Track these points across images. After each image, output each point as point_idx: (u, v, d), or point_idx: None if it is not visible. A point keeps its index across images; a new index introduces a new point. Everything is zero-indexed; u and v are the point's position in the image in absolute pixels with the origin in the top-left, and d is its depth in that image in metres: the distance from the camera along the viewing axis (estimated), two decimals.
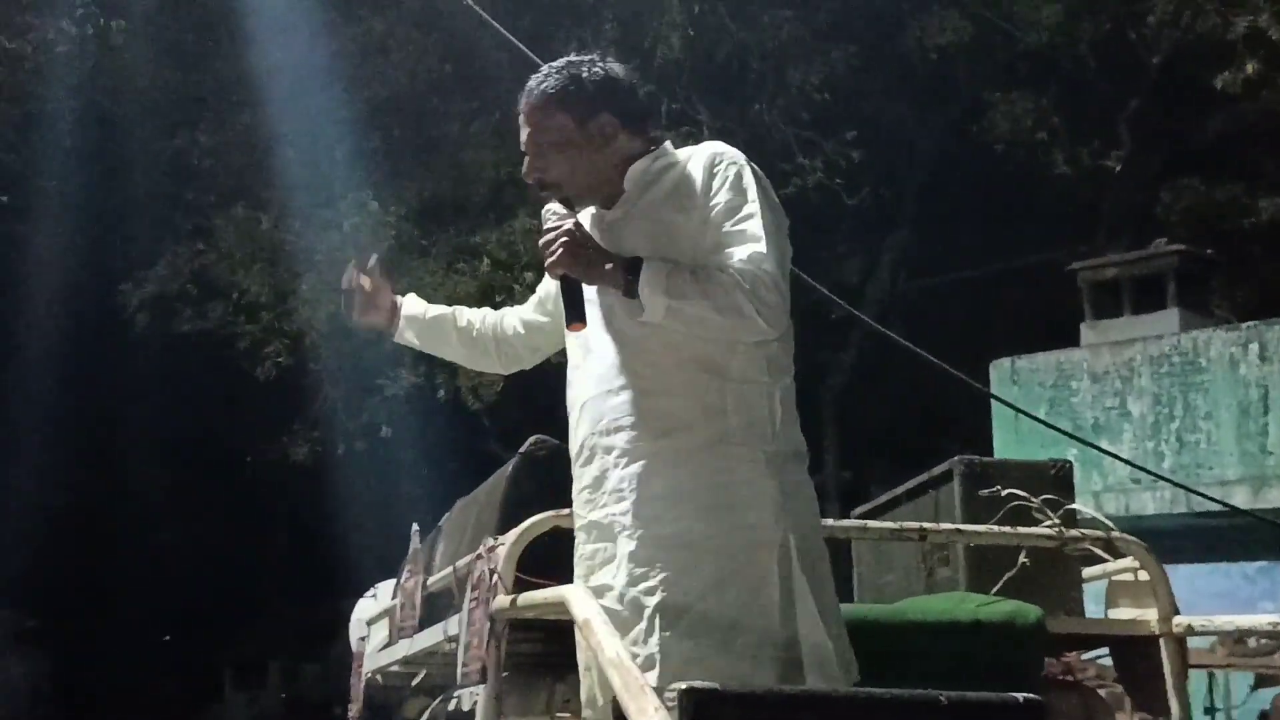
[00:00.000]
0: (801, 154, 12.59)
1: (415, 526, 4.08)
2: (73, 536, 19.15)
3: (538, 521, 2.95)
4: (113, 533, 19.27)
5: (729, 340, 2.58)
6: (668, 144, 2.77)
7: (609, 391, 2.64)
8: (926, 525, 3.48)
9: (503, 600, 2.82)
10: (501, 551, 2.93)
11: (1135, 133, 13.36)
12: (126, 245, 13.93)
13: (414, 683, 4.20)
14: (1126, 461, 8.24)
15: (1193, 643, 3.51)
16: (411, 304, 3.09)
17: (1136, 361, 9.63)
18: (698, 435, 2.56)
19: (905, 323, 12.28)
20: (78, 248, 14.00)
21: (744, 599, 2.48)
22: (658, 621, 2.48)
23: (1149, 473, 8.26)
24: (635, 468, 2.58)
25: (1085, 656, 3.87)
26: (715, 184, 2.62)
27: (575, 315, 2.61)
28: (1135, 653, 3.44)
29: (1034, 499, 3.49)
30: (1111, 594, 3.81)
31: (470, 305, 3.19)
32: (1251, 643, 4.84)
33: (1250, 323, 9.52)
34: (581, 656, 2.69)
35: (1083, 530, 3.46)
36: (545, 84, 2.71)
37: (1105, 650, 3.73)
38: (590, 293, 2.64)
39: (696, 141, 2.87)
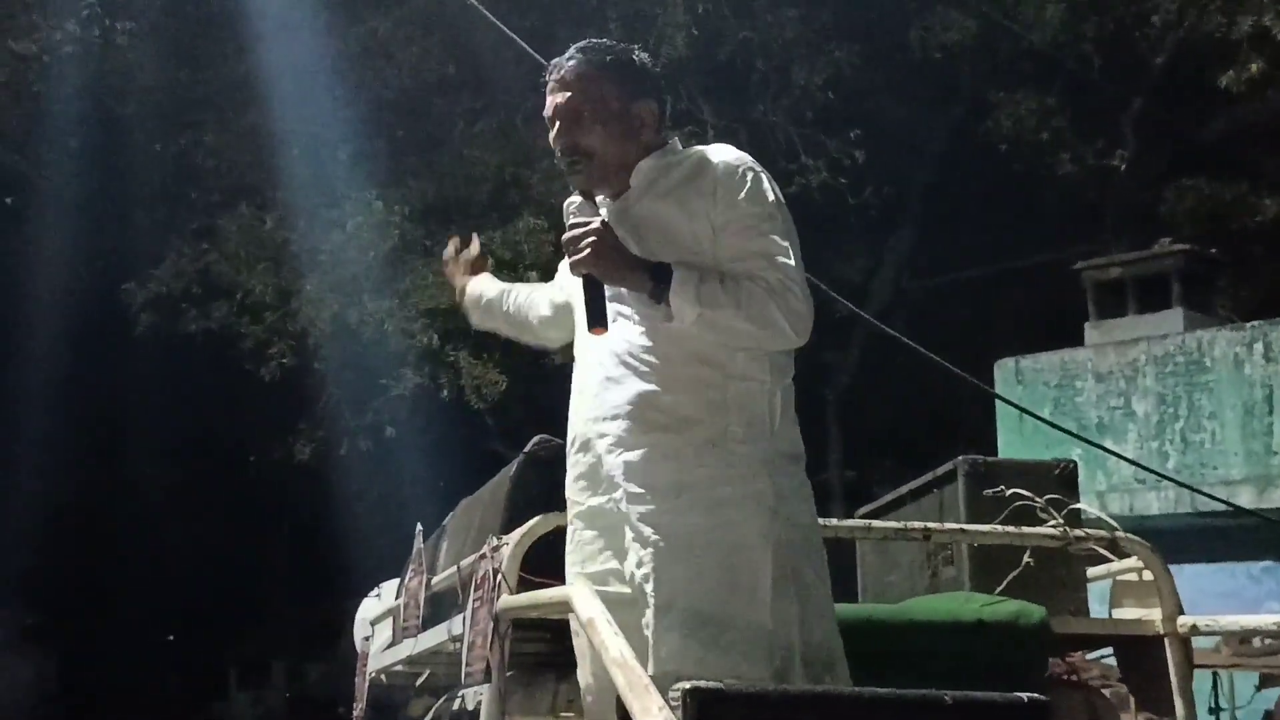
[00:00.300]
0: (805, 153, 12.58)
1: (419, 526, 4.08)
2: (76, 535, 19.16)
3: (542, 521, 2.95)
4: (116, 532, 19.27)
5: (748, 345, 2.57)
6: (675, 141, 2.76)
7: (609, 380, 2.63)
8: (931, 525, 3.48)
9: (507, 600, 2.82)
10: (505, 551, 2.93)
11: (1139, 132, 13.35)
12: (130, 245, 13.93)
13: (418, 682, 4.21)
14: (1131, 461, 8.23)
15: (1197, 643, 3.50)
16: (476, 285, 3.27)
17: (1141, 361, 9.61)
18: (696, 431, 2.56)
19: (909, 322, 12.26)
20: (81, 247, 14.00)
21: (735, 596, 2.48)
22: (649, 614, 2.49)
23: (1153, 472, 8.25)
24: (630, 456, 2.57)
25: (1090, 656, 3.87)
26: (737, 192, 2.59)
27: (597, 319, 2.58)
28: (1140, 653, 3.44)
29: (1038, 499, 3.49)
30: (1116, 594, 3.81)
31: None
32: (1256, 643, 4.83)
33: (1255, 322, 9.50)
34: (578, 644, 2.70)
35: (1087, 530, 3.46)
36: (599, 55, 2.68)
37: (1110, 650, 3.73)
38: None
39: (700, 140, 2.86)
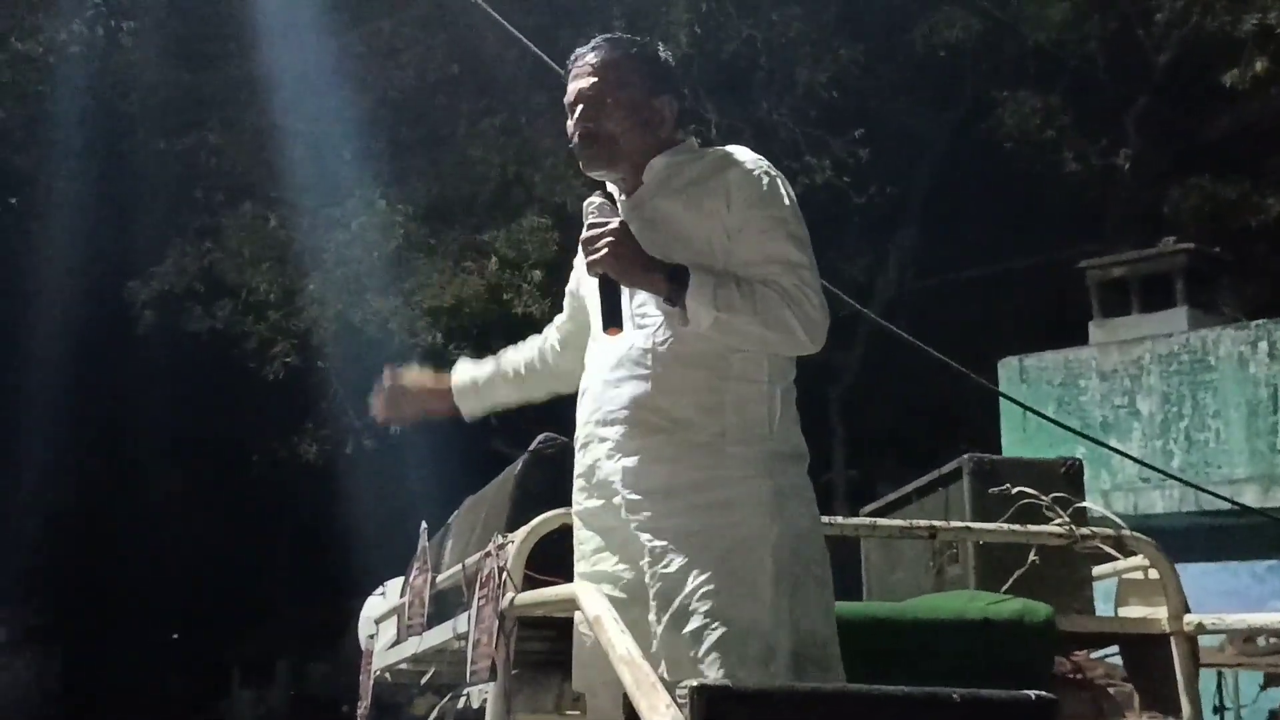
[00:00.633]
0: (809, 152, 12.57)
1: (424, 524, 4.08)
2: (79, 534, 19.18)
3: (547, 519, 2.95)
4: (119, 531, 19.28)
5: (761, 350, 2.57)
6: (692, 140, 2.75)
7: (608, 383, 2.63)
8: (936, 523, 3.47)
9: (512, 597, 2.82)
10: (511, 549, 2.93)
11: (1143, 131, 13.34)
12: (134, 243, 13.93)
13: (423, 681, 4.20)
14: (1136, 460, 8.22)
15: (1201, 641, 3.50)
16: (459, 376, 3.09)
17: (1145, 360, 9.61)
18: (694, 433, 2.55)
19: (913, 321, 12.24)
20: (85, 246, 14.00)
21: (734, 597, 2.47)
22: (650, 616, 2.49)
23: (1158, 471, 8.24)
24: (627, 461, 2.57)
25: (1095, 655, 3.86)
26: (753, 195, 2.57)
27: (612, 319, 2.57)
28: (1145, 651, 3.44)
29: (1044, 497, 3.48)
30: (1121, 592, 3.80)
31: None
32: (1261, 641, 4.82)
33: (1259, 321, 9.49)
34: (577, 644, 2.70)
35: (1093, 528, 3.45)
36: (626, 46, 2.69)
37: (1115, 649, 3.72)
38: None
39: (702, 139, 2.85)
